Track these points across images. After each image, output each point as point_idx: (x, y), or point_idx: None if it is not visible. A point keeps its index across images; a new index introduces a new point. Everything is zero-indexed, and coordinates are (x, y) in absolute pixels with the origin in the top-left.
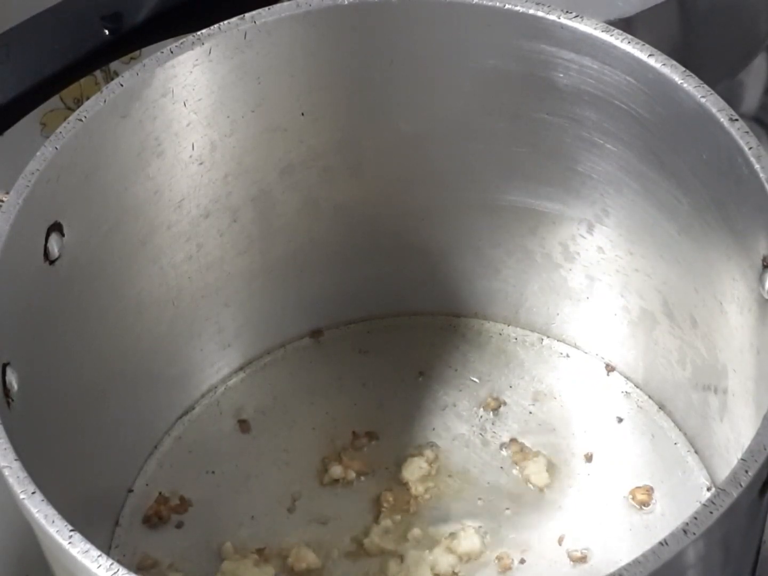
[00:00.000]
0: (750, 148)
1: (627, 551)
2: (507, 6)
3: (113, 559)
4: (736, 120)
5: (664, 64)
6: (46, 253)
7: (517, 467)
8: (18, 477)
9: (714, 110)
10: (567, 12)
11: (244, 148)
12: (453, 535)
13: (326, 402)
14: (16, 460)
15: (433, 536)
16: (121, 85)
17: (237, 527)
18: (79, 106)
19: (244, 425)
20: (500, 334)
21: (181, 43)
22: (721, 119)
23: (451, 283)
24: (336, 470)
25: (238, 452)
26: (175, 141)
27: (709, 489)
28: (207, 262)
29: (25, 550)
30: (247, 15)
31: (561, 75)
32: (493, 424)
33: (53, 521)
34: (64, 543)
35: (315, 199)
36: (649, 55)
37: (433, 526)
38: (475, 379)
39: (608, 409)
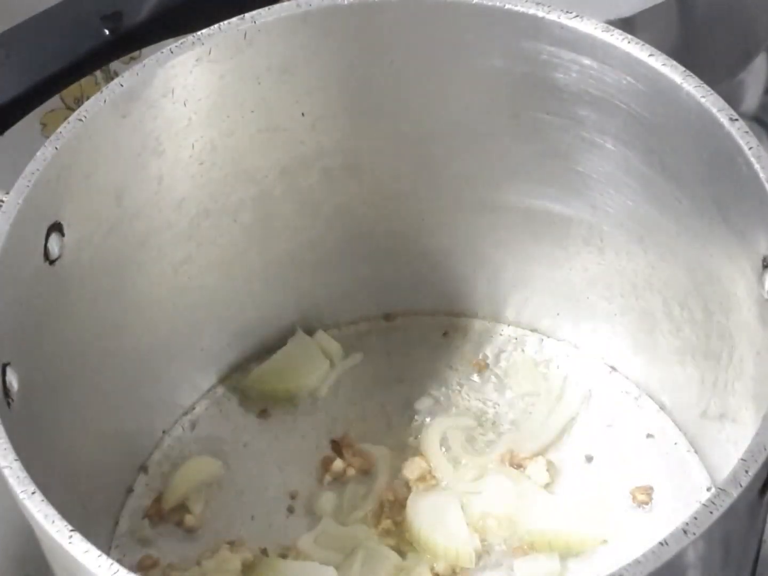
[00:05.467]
0: (750, 148)
1: (627, 551)
2: (507, 6)
3: (113, 559)
4: (736, 120)
5: (664, 64)
6: (46, 252)
7: (518, 467)
8: (18, 477)
9: (714, 110)
10: (567, 12)
11: (244, 148)
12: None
13: (326, 402)
14: (16, 460)
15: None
16: (121, 85)
17: (237, 527)
18: (79, 106)
19: (263, 413)
20: (500, 334)
21: (181, 43)
22: (721, 119)
23: (451, 283)
24: (336, 469)
25: (238, 452)
26: (175, 141)
27: (709, 489)
28: (207, 262)
29: (25, 550)
30: (247, 15)
31: (561, 75)
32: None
33: (53, 521)
34: (65, 543)
35: (315, 199)
36: (649, 55)
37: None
38: (475, 379)
39: (609, 410)
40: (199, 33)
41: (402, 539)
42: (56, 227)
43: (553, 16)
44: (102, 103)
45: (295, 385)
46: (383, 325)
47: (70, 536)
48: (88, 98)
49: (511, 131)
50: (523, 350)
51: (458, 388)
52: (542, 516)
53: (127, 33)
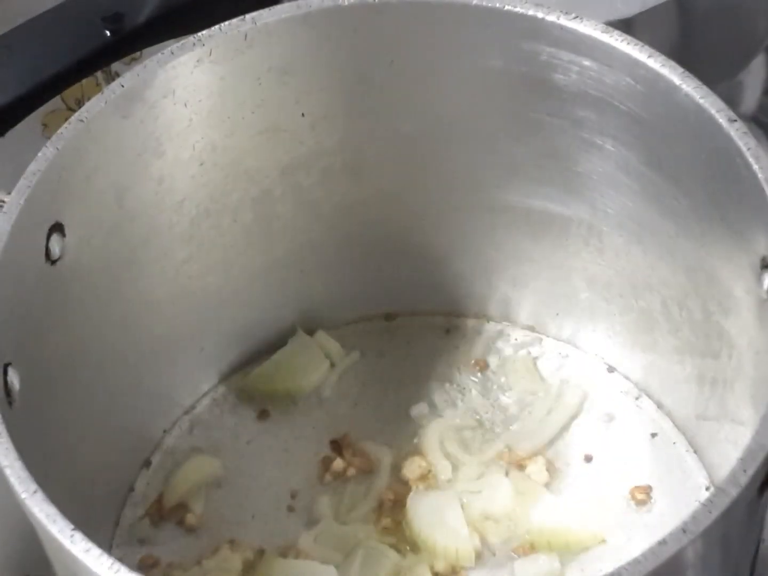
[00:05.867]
0: (749, 149)
1: (626, 551)
2: (507, 6)
3: (114, 558)
4: (735, 121)
5: (663, 65)
6: (47, 253)
7: (517, 466)
8: (19, 476)
9: (713, 111)
10: (567, 13)
11: (244, 149)
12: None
13: (326, 402)
14: (17, 459)
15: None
16: (122, 86)
17: (237, 527)
18: (80, 107)
19: (263, 413)
20: (500, 334)
21: (182, 44)
22: (720, 120)
23: (451, 283)
24: (336, 469)
25: (239, 452)
26: (176, 141)
27: (708, 488)
28: (207, 262)
29: (26, 549)
30: (248, 16)
31: (561, 76)
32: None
33: (55, 520)
34: (66, 542)
35: (315, 199)
36: (649, 56)
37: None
38: (475, 379)
39: (608, 409)
40: (199, 34)
41: (402, 538)
42: (57, 228)
43: (552, 17)
44: (103, 103)
45: (295, 385)
46: (383, 325)
47: (72, 535)
48: (89, 99)
49: (511, 131)
50: (522, 350)
51: (458, 387)
52: (542, 515)
53: (128, 34)
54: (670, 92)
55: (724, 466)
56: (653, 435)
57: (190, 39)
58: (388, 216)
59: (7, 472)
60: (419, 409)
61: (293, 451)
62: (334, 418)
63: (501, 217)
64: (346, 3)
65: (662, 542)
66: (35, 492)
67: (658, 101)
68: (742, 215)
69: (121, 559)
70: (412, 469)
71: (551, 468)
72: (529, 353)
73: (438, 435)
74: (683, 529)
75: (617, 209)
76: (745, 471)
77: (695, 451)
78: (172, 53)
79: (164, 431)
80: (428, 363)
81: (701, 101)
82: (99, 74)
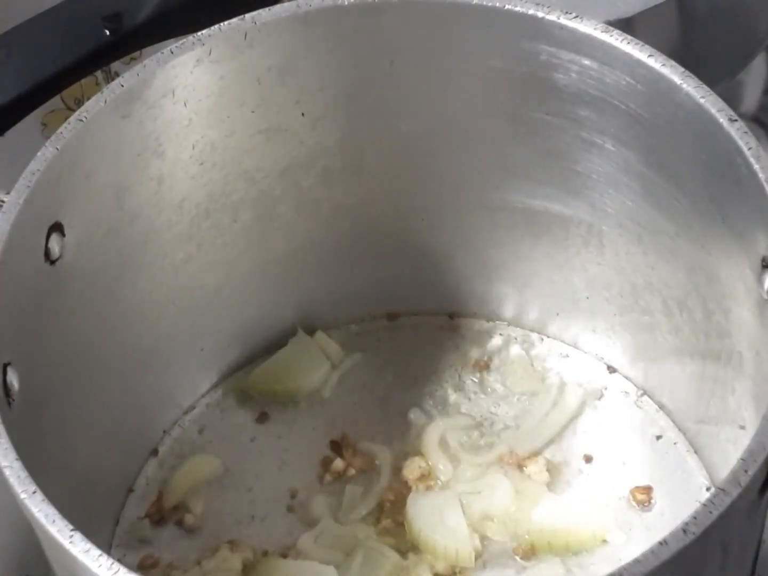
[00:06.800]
0: (749, 149)
1: (627, 551)
2: (507, 6)
3: (114, 558)
4: (736, 120)
5: (663, 65)
6: (46, 253)
7: (517, 467)
8: (19, 476)
9: (713, 110)
10: (567, 12)
11: (244, 149)
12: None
13: (326, 402)
14: (16, 459)
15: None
16: (122, 86)
17: (237, 527)
18: (79, 107)
19: (263, 416)
20: (500, 334)
21: (182, 44)
22: (721, 119)
23: (451, 283)
24: (336, 469)
25: (239, 452)
26: (176, 141)
27: (708, 489)
28: (207, 262)
29: (25, 550)
30: (248, 15)
31: (561, 75)
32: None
33: (54, 521)
34: (65, 542)
35: (315, 199)
36: (649, 56)
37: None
38: (475, 379)
39: (608, 410)
40: (199, 33)
41: (402, 539)
42: (57, 227)
43: (552, 17)
44: (102, 103)
45: (295, 385)
46: (383, 325)
47: (71, 536)
48: (88, 99)
49: (510, 131)
50: (522, 350)
51: (458, 387)
52: (542, 516)
53: (128, 33)
54: (671, 92)
55: (724, 467)
56: (654, 435)
57: (190, 38)
58: (388, 216)
59: (7, 472)
60: (419, 410)
61: (293, 452)
62: (334, 418)
63: (501, 217)
64: (346, 3)
65: (662, 542)
66: (34, 492)
67: (658, 101)
68: (742, 215)
69: (121, 560)
70: (412, 469)
71: (551, 468)
72: (530, 353)
73: (438, 435)
74: (684, 530)
75: (617, 209)
76: (746, 471)
77: (696, 452)
78: (172, 53)
79: (164, 431)
80: (428, 363)
81: (702, 101)
82: (98, 74)
